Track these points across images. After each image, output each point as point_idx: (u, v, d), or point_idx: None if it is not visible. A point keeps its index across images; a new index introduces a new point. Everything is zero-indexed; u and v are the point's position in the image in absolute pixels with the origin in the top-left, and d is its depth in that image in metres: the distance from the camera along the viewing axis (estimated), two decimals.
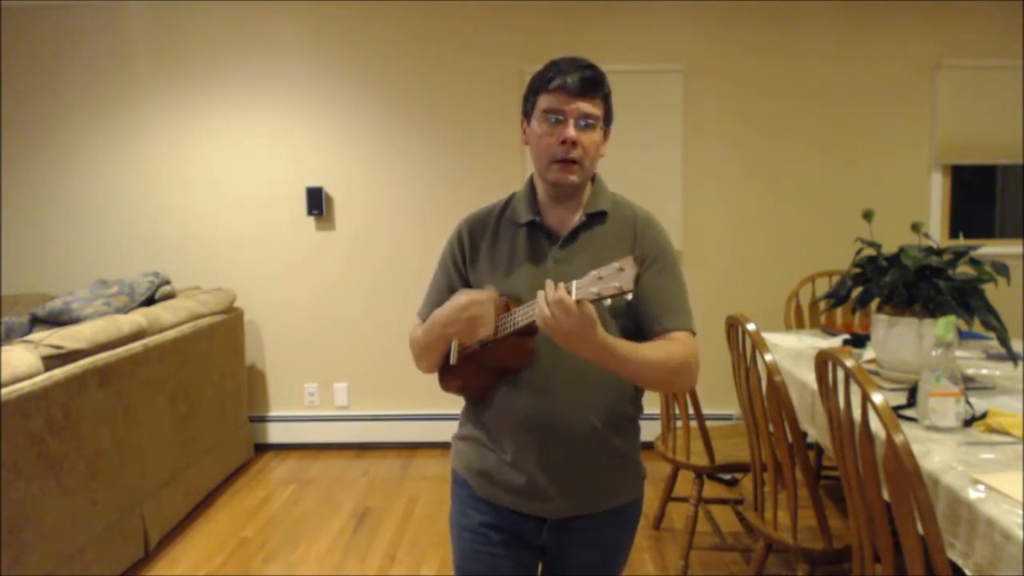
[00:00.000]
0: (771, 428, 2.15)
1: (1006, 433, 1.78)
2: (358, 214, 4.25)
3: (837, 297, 2.42)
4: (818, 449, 2.92)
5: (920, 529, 1.50)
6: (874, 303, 2.32)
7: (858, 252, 2.43)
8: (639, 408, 1.56)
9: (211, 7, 4.15)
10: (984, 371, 2.40)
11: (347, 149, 4.23)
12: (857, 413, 1.68)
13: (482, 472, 1.53)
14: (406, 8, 4.13)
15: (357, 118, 4.21)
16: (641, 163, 4.09)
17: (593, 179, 1.53)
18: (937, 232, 4.19)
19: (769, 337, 2.67)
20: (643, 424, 1.59)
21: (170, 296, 3.61)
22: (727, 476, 3.63)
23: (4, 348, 2.42)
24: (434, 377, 1.62)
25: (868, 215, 2.53)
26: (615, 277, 1.18)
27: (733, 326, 2.35)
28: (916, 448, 1.51)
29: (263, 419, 4.34)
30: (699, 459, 2.74)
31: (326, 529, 3.31)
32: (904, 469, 1.47)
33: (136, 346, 2.98)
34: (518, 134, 1.54)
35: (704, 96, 4.14)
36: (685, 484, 3.09)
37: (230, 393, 3.91)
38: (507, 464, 1.49)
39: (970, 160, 4.20)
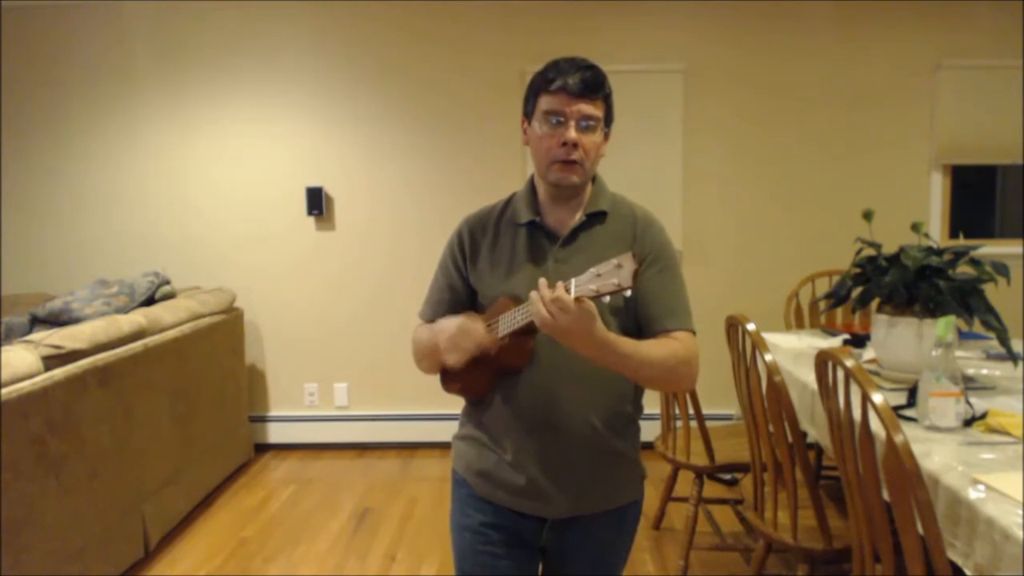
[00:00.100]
0: (771, 428, 2.15)
1: (1006, 433, 1.78)
2: (358, 214, 4.25)
3: (837, 297, 2.42)
4: (818, 449, 2.92)
5: (920, 529, 1.50)
6: (874, 303, 2.32)
7: (858, 252, 2.43)
8: (639, 408, 1.56)
9: (211, 7, 4.15)
10: (984, 371, 2.40)
11: (347, 149, 4.23)
12: (857, 413, 1.68)
13: (482, 472, 1.53)
14: (406, 8, 4.13)
15: (357, 118, 4.21)
16: (641, 163, 4.09)
17: (593, 179, 1.52)
18: (937, 232, 4.19)
19: (769, 337, 2.67)
20: (643, 424, 1.59)
21: (170, 296, 3.61)
22: (727, 476, 3.63)
23: (4, 348, 2.42)
24: (434, 377, 1.62)
25: (868, 215, 2.53)
26: (613, 274, 1.18)
27: (733, 326, 2.35)
28: (916, 448, 1.50)
29: (263, 419, 4.34)
30: (699, 459, 2.74)
31: (326, 529, 3.31)
32: (904, 469, 1.47)
33: (136, 346, 2.98)
34: (518, 134, 1.54)
35: (704, 96, 4.14)
36: (685, 484, 3.09)
37: (230, 393, 3.91)
38: (507, 464, 1.49)
39: (970, 160, 4.20)
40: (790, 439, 2.09)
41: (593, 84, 1.40)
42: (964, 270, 2.20)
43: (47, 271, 4.27)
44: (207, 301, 3.73)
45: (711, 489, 3.51)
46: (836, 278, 3.32)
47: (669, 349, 1.40)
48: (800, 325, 3.54)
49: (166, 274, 3.70)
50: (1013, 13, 4.04)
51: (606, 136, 1.48)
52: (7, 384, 2.29)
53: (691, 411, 2.72)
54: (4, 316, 3.59)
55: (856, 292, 2.36)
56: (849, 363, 1.65)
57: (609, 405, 1.47)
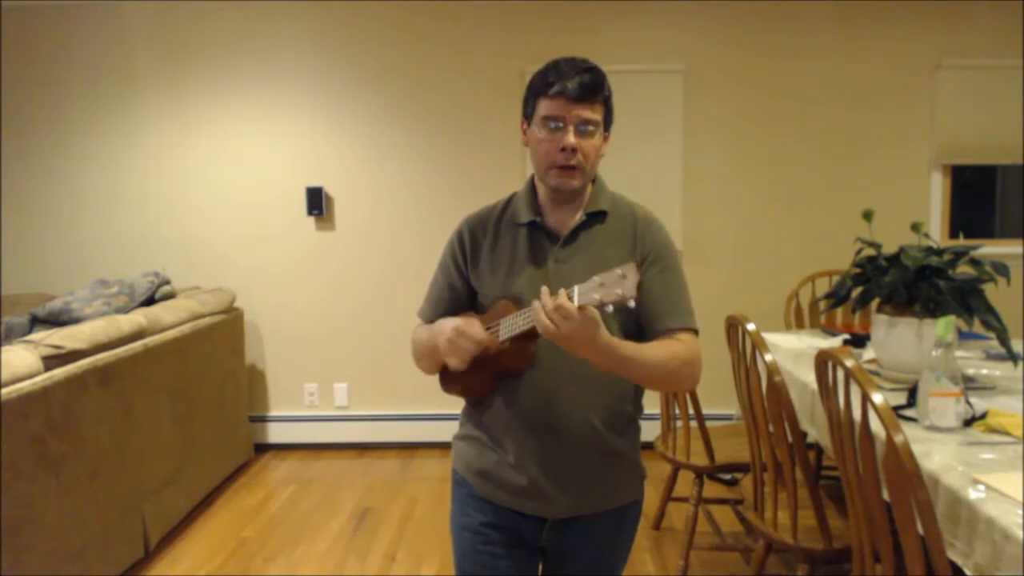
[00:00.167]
0: (771, 428, 2.15)
1: (1006, 433, 1.78)
2: (358, 214, 4.25)
3: (837, 297, 2.42)
4: (818, 449, 2.92)
5: (920, 529, 1.50)
6: (874, 303, 2.32)
7: (858, 252, 2.43)
8: (639, 408, 1.56)
9: (211, 7, 4.15)
10: (984, 371, 2.40)
11: (347, 149, 4.23)
12: (857, 413, 1.68)
13: (482, 472, 1.53)
14: (406, 8, 4.13)
15: (357, 118, 4.21)
16: (641, 163, 4.09)
17: (594, 179, 1.52)
18: (937, 232, 4.19)
19: (769, 337, 2.67)
20: (643, 424, 1.59)
21: (170, 296, 3.61)
22: (727, 476, 3.63)
23: (4, 348, 2.42)
24: (434, 378, 1.62)
25: (868, 215, 2.53)
26: (617, 284, 1.17)
27: (733, 326, 2.35)
28: (916, 448, 1.50)
29: (263, 419, 4.34)
30: (699, 459, 2.74)
31: (326, 529, 3.31)
32: (904, 469, 1.47)
33: (136, 346, 2.98)
34: (518, 134, 1.53)
35: (704, 96, 4.14)
36: (685, 484, 3.09)
37: (230, 393, 3.91)
38: (508, 464, 1.49)
39: (970, 160, 4.20)
40: (790, 439, 2.09)
41: (592, 88, 1.39)
42: (964, 270, 2.20)
43: (47, 271, 4.27)
44: (207, 301, 3.73)
45: (711, 489, 3.51)
46: (836, 278, 3.32)
47: (671, 350, 1.40)
48: (800, 325, 3.54)
49: (166, 274, 3.70)
50: (1013, 13, 4.04)
51: (606, 137, 1.47)
52: (7, 384, 2.29)
53: (691, 411, 2.72)
54: (4, 316, 3.60)
55: (856, 292, 2.36)
56: (849, 363, 1.65)
57: (609, 405, 1.47)
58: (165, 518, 3.18)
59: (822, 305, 3.43)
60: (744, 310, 2.32)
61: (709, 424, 2.76)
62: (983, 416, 1.86)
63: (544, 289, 1.25)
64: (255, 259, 4.27)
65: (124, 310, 3.26)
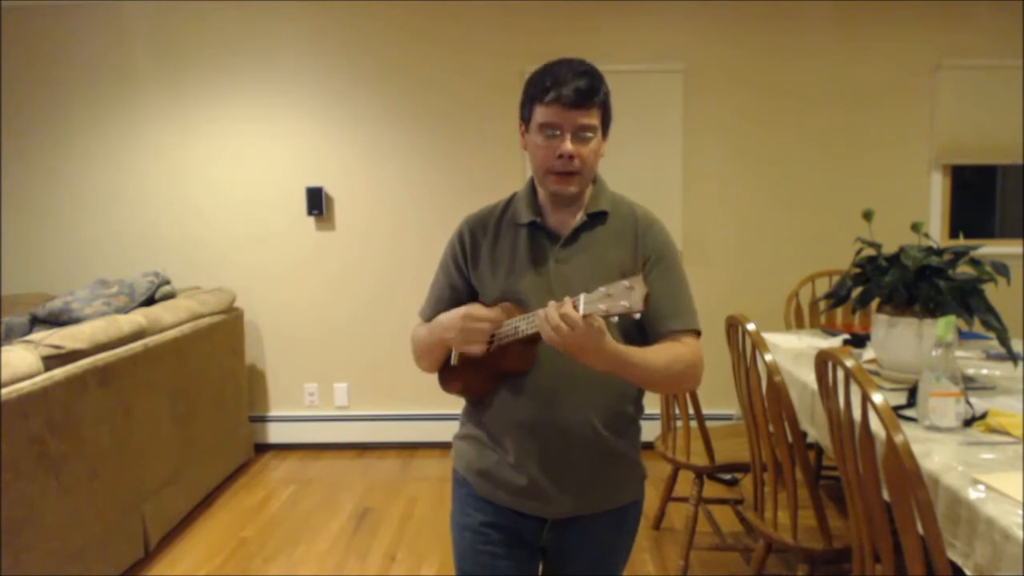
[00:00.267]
0: (771, 428, 2.15)
1: (1006, 433, 1.78)
2: (358, 214, 4.25)
3: (837, 297, 2.42)
4: (818, 449, 2.92)
5: (920, 529, 1.50)
6: (874, 303, 2.32)
7: (858, 252, 2.43)
8: (640, 409, 1.56)
9: (211, 7, 4.15)
10: (984, 371, 2.40)
11: (347, 149, 4.23)
12: (857, 413, 1.68)
13: (482, 471, 1.53)
14: (406, 8, 4.13)
15: (357, 118, 4.21)
16: (641, 163, 4.09)
17: (594, 179, 1.52)
18: (937, 232, 4.19)
19: (769, 337, 2.67)
20: (643, 424, 1.59)
21: (170, 296, 3.61)
22: (727, 476, 3.63)
23: (4, 348, 2.42)
24: (434, 377, 1.62)
25: (868, 215, 2.53)
26: (624, 295, 1.17)
27: (733, 326, 2.35)
28: (916, 448, 1.50)
29: (263, 419, 4.34)
30: (699, 459, 2.74)
31: (326, 529, 3.31)
32: (904, 469, 1.47)
33: (136, 346, 2.98)
34: (518, 134, 1.53)
35: (704, 96, 4.14)
36: (685, 484, 3.09)
37: (230, 393, 3.91)
38: (509, 464, 1.49)
39: (970, 160, 4.20)
40: (790, 439, 2.09)
41: (587, 93, 1.38)
42: (964, 270, 2.20)
43: (47, 271, 4.27)
44: (207, 301, 3.73)
45: (711, 489, 3.51)
46: (836, 278, 3.32)
47: (674, 353, 1.40)
48: (800, 325, 3.54)
49: (166, 274, 3.70)
50: (1013, 13, 4.04)
51: (605, 137, 1.47)
52: (7, 384, 2.29)
53: (691, 411, 2.72)
54: (4, 316, 3.60)
55: (856, 292, 2.36)
56: (849, 363, 1.65)
57: (610, 406, 1.47)
58: (165, 518, 3.18)
59: (822, 305, 3.43)
60: (744, 310, 2.32)
61: (709, 424, 2.76)
62: (983, 416, 1.86)
63: (552, 303, 1.25)
64: (255, 259, 4.27)
65: (124, 310, 3.26)
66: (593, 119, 1.41)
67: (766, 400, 2.15)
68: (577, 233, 1.49)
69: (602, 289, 1.21)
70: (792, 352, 2.73)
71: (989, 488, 1.48)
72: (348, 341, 4.30)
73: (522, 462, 1.47)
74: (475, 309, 1.42)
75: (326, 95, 4.20)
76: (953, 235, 4.20)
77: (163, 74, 4.20)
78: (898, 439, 1.48)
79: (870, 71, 4.11)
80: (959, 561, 1.48)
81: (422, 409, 4.26)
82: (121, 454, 2.85)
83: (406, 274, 4.19)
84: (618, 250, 1.47)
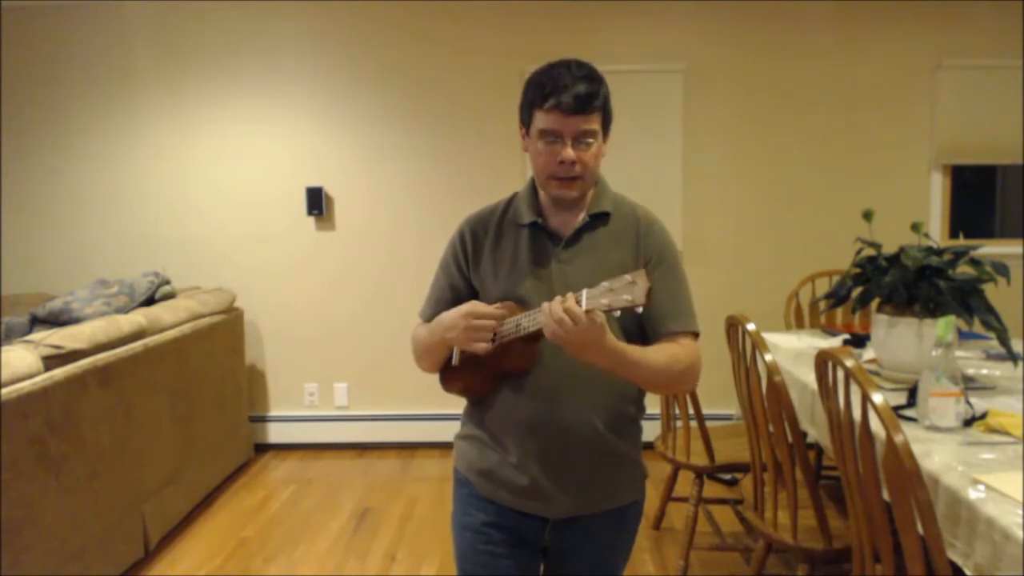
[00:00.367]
0: (771, 428, 2.15)
1: (1006, 433, 1.78)
2: (358, 214, 4.25)
3: (837, 297, 2.42)
4: (818, 449, 2.92)
5: (920, 529, 1.50)
6: (874, 303, 2.32)
7: (858, 252, 2.43)
8: (641, 409, 1.56)
9: (211, 7, 4.15)
10: (984, 371, 2.40)
11: (347, 149, 4.23)
12: (857, 413, 1.68)
13: (483, 471, 1.53)
14: (406, 8, 4.13)
15: (357, 118, 4.21)
16: (641, 163, 4.09)
17: (596, 180, 1.52)
18: (937, 232, 4.19)
19: (769, 337, 2.67)
20: (643, 424, 1.59)
21: (170, 296, 3.61)
22: (727, 476, 3.63)
23: (4, 348, 2.42)
24: (434, 377, 1.62)
25: (868, 215, 2.53)
26: (626, 290, 1.17)
27: (733, 326, 2.36)
28: (916, 448, 1.50)
29: (263, 419, 4.34)
30: (699, 459, 2.74)
31: (326, 529, 3.31)
32: (904, 469, 1.47)
33: (136, 346, 2.98)
34: (518, 134, 1.52)
35: (704, 96, 4.14)
36: (685, 484, 3.09)
37: (230, 393, 3.91)
38: (511, 464, 1.49)
39: (970, 160, 4.20)
40: (790, 439, 2.09)
41: (587, 99, 1.37)
42: (964, 270, 2.20)
43: (47, 271, 4.27)
44: (207, 301, 3.73)
45: (711, 489, 3.51)
46: (836, 278, 3.32)
47: (673, 354, 1.41)
48: (800, 325, 3.54)
49: (166, 274, 3.70)
50: (1013, 13, 4.04)
51: (605, 139, 1.47)
52: (7, 384, 2.29)
53: (691, 411, 2.72)
54: (4, 316, 3.59)
55: (856, 292, 2.36)
56: (849, 363, 1.65)
57: (611, 406, 1.48)
58: (165, 518, 3.18)
59: (822, 305, 3.43)
60: (744, 310, 2.32)
61: (709, 424, 2.76)
62: (983, 416, 1.86)
63: (557, 298, 1.25)
64: (255, 259, 4.27)
65: (124, 310, 3.26)
66: (594, 124, 1.40)
67: (766, 400, 2.15)
68: (579, 234, 1.49)
69: (604, 284, 1.21)
70: (792, 352, 2.73)
71: (989, 488, 1.48)
72: (348, 341, 4.30)
73: (524, 462, 1.47)
74: (477, 307, 1.42)
75: (326, 95, 4.20)
76: (953, 235, 4.20)
77: (163, 74, 4.20)
78: (898, 439, 1.48)
79: (870, 71, 4.11)
80: (959, 561, 1.48)
81: (422, 409, 4.26)
82: (121, 454, 2.85)
83: (406, 274, 4.19)
84: (620, 251, 1.47)
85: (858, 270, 2.38)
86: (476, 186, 4.16)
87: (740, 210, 4.20)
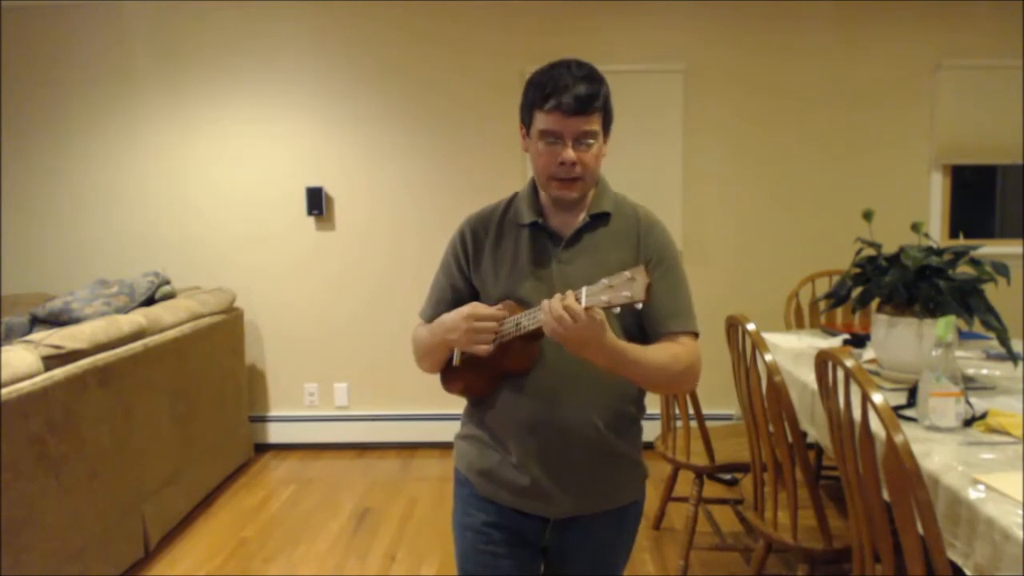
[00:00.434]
0: (771, 428, 2.15)
1: (1006, 433, 1.78)
2: (358, 214, 4.25)
3: (837, 297, 2.42)
4: (818, 449, 2.92)
5: (920, 529, 1.50)
6: (874, 303, 2.32)
7: (858, 252, 2.43)
8: (641, 409, 1.56)
9: (211, 7, 4.15)
10: (984, 371, 2.40)
11: (347, 149, 4.23)
12: (857, 413, 1.68)
13: (484, 471, 1.53)
14: (406, 8, 4.13)
15: (357, 118, 4.21)
16: (641, 163, 4.09)
17: (597, 180, 1.52)
18: (937, 232, 4.19)
19: (769, 337, 2.67)
20: (643, 424, 1.59)
21: (170, 296, 3.61)
22: (727, 476, 3.63)
23: (4, 348, 2.42)
24: (434, 377, 1.62)
25: (868, 215, 2.53)
26: (626, 286, 1.17)
27: (733, 326, 2.36)
28: (916, 448, 1.50)
29: (263, 419, 4.34)
30: (699, 459, 2.74)
31: (326, 529, 3.31)
32: (904, 469, 1.47)
33: (136, 346, 2.98)
34: (518, 134, 1.52)
35: (704, 96, 4.14)
36: (685, 484, 3.09)
37: (230, 393, 3.91)
38: (511, 464, 1.49)
39: (970, 160, 4.20)
40: (790, 439, 2.09)
41: (588, 100, 1.37)
42: (964, 270, 2.20)
43: (47, 271, 4.27)
44: (207, 301, 3.73)
45: (711, 489, 3.51)
46: (836, 278, 3.32)
47: (674, 354, 1.41)
48: (800, 325, 3.54)
49: (166, 274, 3.70)
50: (1013, 13, 4.04)
51: (606, 139, 1.47)
52: (7, 384, 2.29)
53: (691, 411, 2.72)
54: (4, 316, 3.59)
55: (856, 292, 2.36)
56: (849, 363, 1.65)
57: (611, 406, 1.48)
58: (165, 518, 3.18)
59: (822, 305, 3.43)
60: (744, 310, 2.32)
61: (709, 424, 2.76)
62: (983, 416, 1.87)
63: (557, 295, 1.25)
64: (255, 259, 4.27)
65: (124, 310, 3.26)
66: (594, 125, 1.40)
67: (766, 400, 2.15)
68: (579, 234, 1.49)
69: (604, 281, 1.21)
70: (792, 352, 2.73)
71: (989, 488, 1.48)
72: (348, 341, 4.30)
73: (524, 462, 1.47)
74: (478, 308, 1.42)
75: (326, 95, 4.20)
76: (953, 235, 4.20)
77: (163, 74, 4.20)
78: (898, 439, 1.48)
79: (870, 71, 4.11)
80: (959, 561, 1.48)
81: (422, 409, 4.26)
82: (121, 454, 2.85)
83: (406, 274, 4.19)
84: (620, 251, 1.47)
85: (858, 270, 2.38)
86: (476, 186, 4.16)
87: (740, 210, 4.20)
